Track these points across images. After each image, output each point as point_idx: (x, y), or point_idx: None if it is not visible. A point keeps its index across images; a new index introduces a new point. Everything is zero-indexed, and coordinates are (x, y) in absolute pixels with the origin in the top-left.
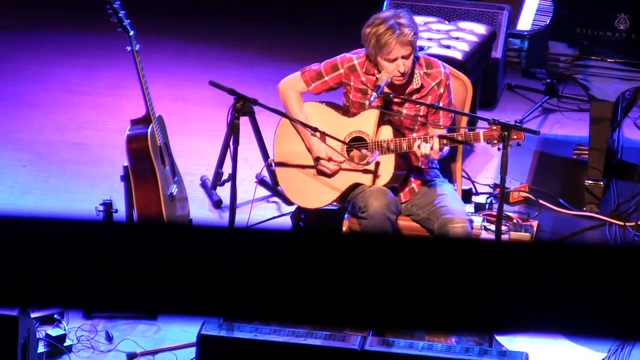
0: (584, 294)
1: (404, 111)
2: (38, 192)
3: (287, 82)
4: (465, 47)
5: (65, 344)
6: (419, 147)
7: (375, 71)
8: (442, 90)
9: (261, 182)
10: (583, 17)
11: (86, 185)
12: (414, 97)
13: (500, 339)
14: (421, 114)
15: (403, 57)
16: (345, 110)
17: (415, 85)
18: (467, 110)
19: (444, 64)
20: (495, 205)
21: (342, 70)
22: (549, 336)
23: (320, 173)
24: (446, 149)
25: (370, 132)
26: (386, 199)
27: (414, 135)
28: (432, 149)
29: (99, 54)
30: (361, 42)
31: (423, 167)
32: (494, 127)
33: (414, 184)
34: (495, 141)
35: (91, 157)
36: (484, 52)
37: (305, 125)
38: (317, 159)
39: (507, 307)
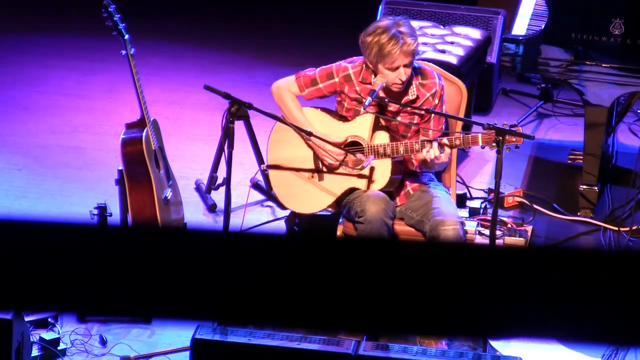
0: (578, 299)
1: (399, 118)
2: (33, 195)
3: (282, 84)
4: (460, 52)
5: (59, 348)
6: (427, 151)
7: (372, 78)
8: (436, 101)
9: (255, 186)
10: (578, 22)
11: (81, 189)
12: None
13: (495, 343)
14: (415, 121)
15: (405, 66)
16: (341, 116)
17: (411, 96)
18: (462, 115)
19: (439, 74)
20: (490, 210)
21: (336, 79)
22: (544, 341)
23: (318, 173)
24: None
25: (365, 137)
26: (383, 203)
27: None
28: (437, 151)
29: (94, 57)
30: (359, 50)
31: (418, 171)
32: (489, 133)
33: (409, 187)
34: (494, 144)
35: (86, 161)
36: (478, 56)
37: (300, 130)
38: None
39: (501, 312)
